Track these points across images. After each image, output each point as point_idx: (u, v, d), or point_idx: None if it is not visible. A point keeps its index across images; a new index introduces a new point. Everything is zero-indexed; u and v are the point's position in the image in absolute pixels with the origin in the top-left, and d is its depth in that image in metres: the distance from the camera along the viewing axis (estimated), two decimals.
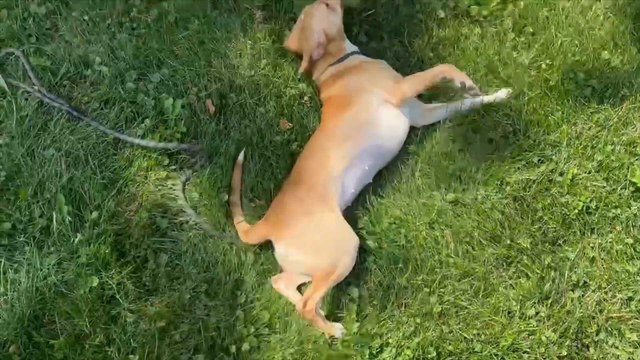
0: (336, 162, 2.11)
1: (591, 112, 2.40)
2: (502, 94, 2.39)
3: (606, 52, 2.55)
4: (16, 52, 2.46)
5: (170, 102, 2.36)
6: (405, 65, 2.48)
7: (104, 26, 2.57)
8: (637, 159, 2.31)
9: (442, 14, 2.62)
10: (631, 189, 2.24)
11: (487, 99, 2.38)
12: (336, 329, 1.97)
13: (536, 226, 2.17)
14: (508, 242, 2.14)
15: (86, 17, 2.58)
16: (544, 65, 2.51)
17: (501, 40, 2.59)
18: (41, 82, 2.39)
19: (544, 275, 2.08)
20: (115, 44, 2.52)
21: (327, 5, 2.36)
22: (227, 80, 2.45)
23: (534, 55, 2.54)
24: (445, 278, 2.08)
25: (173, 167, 2.30)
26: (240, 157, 2.22)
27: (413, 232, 2.16)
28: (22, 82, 2.40)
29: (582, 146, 2.33)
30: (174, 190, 2.22)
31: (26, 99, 2.38)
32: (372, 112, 2.20)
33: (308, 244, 2.00)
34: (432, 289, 2.05)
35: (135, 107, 2.38)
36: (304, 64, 2.32)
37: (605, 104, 2.42)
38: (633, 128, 2.38)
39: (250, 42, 2.54)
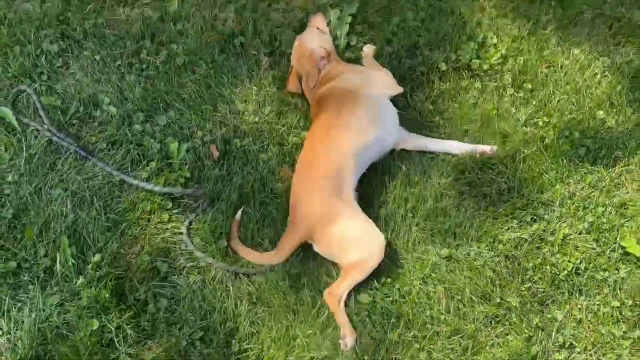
0: (354, 157, 2.29)
1: (584, 173, 2.49)
2: (486, 148, 2.47)
3: (602, 111, 2.63)
4: (28, 89, 2.54)
5: (176, 146, 2.45)
6: (403, 118, 2.55)
7: (114, 66, 2.65)
8: (627, 221, 2.39)
9: (444, 67, 2.70)
10: (620, 252, 2.32)
11: (468, 147, 2.47)
12: (350, 335, 2.08)
13: (526, 285, 2.25)
14: (498, 300, 2.21)
15: (97, 57, 2.67)
16: (540, 123, 2.59)
17: (500, 95, 2.67)
18: (51, 121, 2.47)
19: (531, 335, 2.16)
20: (124, 84, 2.60)
21: (317, 28, 2.59)
22: (232, 125, 2.54)
23: (531, 112, 2.62)
24: (435, 335, 2.15)
25: (176, 210, 2.37)
26: (238, 215, 2.30)
27: (407, 287, 2.23)
28: (32, 120, 2.48)
29: (574, 206, 2.41)
30: (179, 234, 2.29)
31: (36, 137, 2.46)
32: (379, 104, 2.42)
33: (339, 244, 2.20)
34: (422, 346, 2.12)
35: (142, 150, 2.46)
36: (313, 79, 2.46)
37: (598, 165, 2.50)
38: (625, 190, 2.46)
39: (255, 88, 2.63)
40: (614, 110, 2.66)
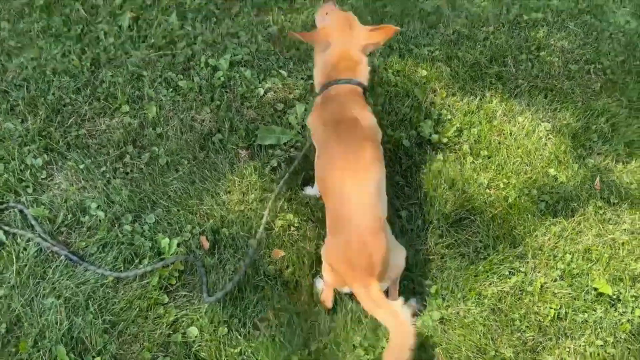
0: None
1: (548, 225, 2.79)
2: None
3: (552, 169, 3.00)
4: (18, 205, 2.66)
5: (167, 242, 2.59)
6: None
7: (99, 173, 2.83)
8: (594, 264, 2.67)
9: (407, 144, 3.03)
10: (593, 293, 2.57)
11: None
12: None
13: (516, 336, 2.44)
14: (493, 353, 2.38)
15: (81, 166, 2.84)
16: (501, 184, 2.92)
17: (461, 163, 3.00)
18: (42, 228, 2.58)
19: None
20: (110, 189, 2.77)
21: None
22: (219, 216, 2.72)
23: (491, 176, 2.95)
24: None
25: (172, 304, 2.46)
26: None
27: None
28: (21, 230, 2.58)
29: (545, 257, 2.68)
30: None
31: (24, 249, 2.55)
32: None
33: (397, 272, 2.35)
34: None
35: (133, 249, 2.59)
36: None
37: (559, 217, 2.82)
38: (586, 236, 2.77)
39: (237, 179, 2.85)
40: (563, 167, 3.03)
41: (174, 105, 3.11)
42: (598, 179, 2.99)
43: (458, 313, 2.50)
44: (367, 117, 2.38)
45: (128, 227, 2.65)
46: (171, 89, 3.18)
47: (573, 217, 2.84)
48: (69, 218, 2.68)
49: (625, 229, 2.81)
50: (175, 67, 3.29)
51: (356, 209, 2.17)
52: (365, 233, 2.14)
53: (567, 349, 2.42)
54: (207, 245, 2.64)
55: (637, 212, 2.88)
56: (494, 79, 3.39)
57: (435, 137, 3.08)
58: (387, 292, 2.38)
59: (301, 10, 3.71)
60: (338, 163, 2.25)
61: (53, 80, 3.17)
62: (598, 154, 3.12)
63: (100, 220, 2.67)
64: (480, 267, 2.63)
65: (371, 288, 2.13)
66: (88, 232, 2.66)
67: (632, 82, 3.48)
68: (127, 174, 2.86)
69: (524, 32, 3.69)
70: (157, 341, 2.37)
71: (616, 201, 2.92)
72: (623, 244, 2.76)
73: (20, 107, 3.03)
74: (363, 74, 2.47)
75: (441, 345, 2.40)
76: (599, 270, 2.65)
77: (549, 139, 3.15)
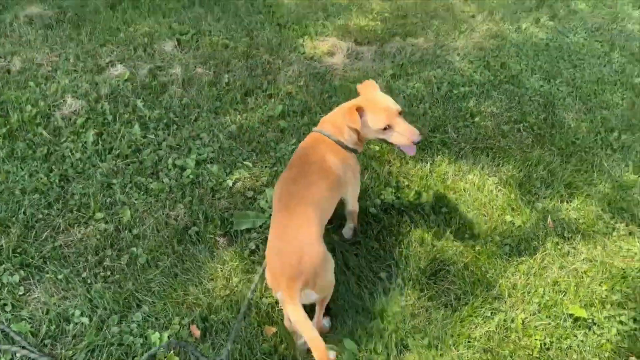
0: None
1: (516, 264, 3.02)
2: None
3: (508, 216, 3.29)
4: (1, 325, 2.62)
5: (157, 336, 2.61)
6: (352, 255, 2.99)
7: (79, 280, 2.86)
8: (564, 295, 2.89)
9: (374, 211, 3.27)
10: (570, 320, 2.76)
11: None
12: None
13: None
14: None
15: (60, 276, 2.87)
16: (466, 235, 3.16)
17: (426, 221, 3.25)
18: (27, 343, 2.54)
19: None
20: (93, 293, 2.79)
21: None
22: (206, 304, 2.77)
23: (455, 229, 3.20)
24: None
25: None
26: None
27: None
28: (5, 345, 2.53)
29: (520, 293, 2.88)
30: None
31: None
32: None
33: (327, 285, 2.46)
34: None
35: (124, 349, 2.57)
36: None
37: (523, 256, 3.07)
38: (552, 270, 3.01)
39: (219, 265, 2.95)
40: (516, 213, 3.34)
41: (148, 206, 3.25)
42: (549, 218, 3.30)
43: (452, 359, 2.60)
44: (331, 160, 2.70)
45: (116, 329, 2.66)
46: (142, 192, 3.34)
47: (536, 254, 3.09)
48: (52, 329, 2.66)
49: (584, 259, 3.09)
50: (143, 171, 3.47)
51: (297, 220, 2.40)
52: (301, 240, 2.34)
53: None
54: (198, 333, 2.67)
55: (591, 242, 3.18)
56: (440, 145, 3.78)
57: (397, 202, 3.34)
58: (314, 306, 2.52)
59: (255, 109, 4.05)
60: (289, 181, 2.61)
61: (23, 200, 3.25)
62: (544, 197, 3.47)
63: (85, 326, 2.67)
64: (464, 312, 2.78)
65: (289, 283, 2.25)
66: (74, 341, 2.64)
67: (557, 134, 3.96)
68: (108, 277, 2.90)
69: (457, 104, 4.17)
70: None
71: (570, 235, 3.22)
72: (585, 272, 3.02)
73: None
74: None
75: None
76: (570, 298, 2.87)
77: (499, 190, 3.49)
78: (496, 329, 2.72)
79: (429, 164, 3.62)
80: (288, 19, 5.13)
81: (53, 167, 3.50)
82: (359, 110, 2.61)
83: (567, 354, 2.65)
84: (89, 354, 2.58)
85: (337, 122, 2.74)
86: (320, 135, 2.76)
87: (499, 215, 3.31)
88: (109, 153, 3.62)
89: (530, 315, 2.80)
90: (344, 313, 2.76)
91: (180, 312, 2.75)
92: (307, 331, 2.15)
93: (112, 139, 3.72)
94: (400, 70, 4.54)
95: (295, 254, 2.29)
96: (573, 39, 5.03)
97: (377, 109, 2.63)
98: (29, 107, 3.88)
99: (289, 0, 5.47)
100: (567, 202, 3.45)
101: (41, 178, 3.39)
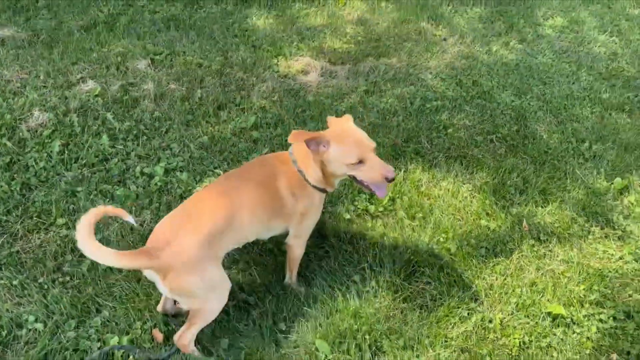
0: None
1: (492, 266, 2.97)
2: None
3: (483, 220, 3.26)
4: None
5: (116, 340, 2.46)
6: (328, 259, 2.90)
7: (36, 285, 2.71)
8: (542, 296, 2.83)
9: (347, 216, 3.21)
10: (549, 319, 2.69)
11: None
12: None
13: None
14: None
15: (15, 282, 2.72)
16: (441, 239, 3.11)
17: (401, 226, 3.19)
18: None
19: None
20: (50, 299, 2.64)
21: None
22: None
23: (430, 233, 3.15)
24: None
25: None
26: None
27: None
28: None
29: (497, 294, 2.81)
30: None
31: None
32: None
33: (182, 291, 2.28)
34: None
35: (79, 354, 2.42)
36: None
37: (499, 257, 3.02)
38: (528, 271, 2.96)
39: None
40: (491, 217, 3.32)
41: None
42: (525, 221, 3.28)
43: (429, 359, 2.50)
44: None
45: (72, 333, 2.51)
46: (108, 199, 3.23)
47: (512, 256, 3.05)
48: (3, 335, 2.49)
49: (560, 260, 3.05)
50: (110, 179, 3.38)
51: (200, 216, 2.31)
52: (186, 235, 2.24)
53: None
54: (160, 337, 2.53)
55: (567, 245, 3.16)
56: (413, 154, 3.77)
57: (371, 207, 3.29)
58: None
59: (228, 122, 4.02)
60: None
61: None
62: (518, 203, 3.45)
63: (39, 332, 2.51)
64: (440, 312, 2.70)
65: (142, 250, 2.21)
66: (26, 347, 2.47)
67: (529, 144, 4.00)
68: (66, 282, 2.76)
69: (430, 117, 4.20)
70: None
71: (545, 238, 3.19)
72: (562, 272, 2.97)
73: None
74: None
75: None
76: (548, 298, 2.81)
77: (473, 196, 3.47)
78: (473, 328, 2.64)
79: (402, 171, 3.60)
80: (263, 42, 5.19)
81: (15, 175, 3.39)
82: (318, 140, 2.39)
83: (547, 352, 2.56)
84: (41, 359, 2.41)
85: (304, 153, 2.49)
86: (287, 156, 2.58)
87: (474, 220, 3.28)
88: (75, 162, 3.52)
89: (508, 315, 2.72)
90: (317, 314, 2.65)
91: (142, 317, 2.61)
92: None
93: (79, 149, 3.63)
94: (373, 87, 4.59)
95: (169, 239, 2.22)
96: (542, 59, 5.17)
97: (348, 142, 2.39)
98: None
99: (264, 25, 5.56)
100: (542, 207, 3.44)
101: (2, 186, 3.27)
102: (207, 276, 2.28)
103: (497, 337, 2.61)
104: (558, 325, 2.68)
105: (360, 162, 2.37)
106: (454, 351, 2.53)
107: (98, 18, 5.45)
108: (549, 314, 2.72)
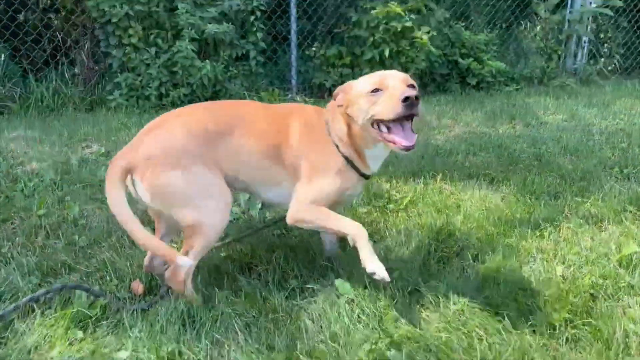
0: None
1: (539, 236, 2.58)
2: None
3: (518, 214, 2.93)
4: None
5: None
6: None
7: None
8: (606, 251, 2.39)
9: (364, 210, 2.90)
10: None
11: None
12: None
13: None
14: None
15: None
16: (475, 224, 2.75)
17: (427, 213, 2.85)
18: None
19: None
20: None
21: None
22: None
23: (462, 220, 2.79)
24: None
25: None
26: None
27: None
28: None
29: (550, 254, 2.39)
30: None
31: None
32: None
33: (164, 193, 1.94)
34: None
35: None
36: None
37: (547, 230, 2.65)
38: (583, 240, 2.55)
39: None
40: (526, 210, 2.97)
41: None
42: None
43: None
44: None
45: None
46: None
47: (560, 228, 2.66)
48: None
49: (619, 233, 2.64)
50: None
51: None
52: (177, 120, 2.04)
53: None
54: (141, 288, 2.08)
55: (621, 226, 2.76)
56: (447, 171, 3.55)
57: (392, 207, 2.99)
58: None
59: None
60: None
61: None
62: (555, 205, 3.12)
63: None
64: (484, 269, 2.25)
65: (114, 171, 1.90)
66: None
67: (555, 168, 3.77)
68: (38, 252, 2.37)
69: (445, 159, 4.07)
70: None
71: (595, 221, 2.82)
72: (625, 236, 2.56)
73: None
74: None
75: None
76: (614, 255, 2.36)
77: (503, 199, 3.17)
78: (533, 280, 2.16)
79: (422, 181, 3.36)
80: None
81: None
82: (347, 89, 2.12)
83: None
84: None
85: (333, 106, 2.19)
86: (319, 108, 2.29)
87: (507, 215, 2.93)
88: None
89: (572, 265, 2.26)
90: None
91: (120, 275, 2.18)
92: (128, 223, 1.82)
93: None
94: None
95: (141, 138, 1.99)
96: (549, 134, 5.19)
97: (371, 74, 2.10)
98: None
99: None
100: (583, 202, 3.10)
101: None
102: (195, 177, 1.94)
103: (561, 283, 2.12)
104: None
105: (378, 90, 1.98)
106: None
107: None
108: (619, 263, 2.25)
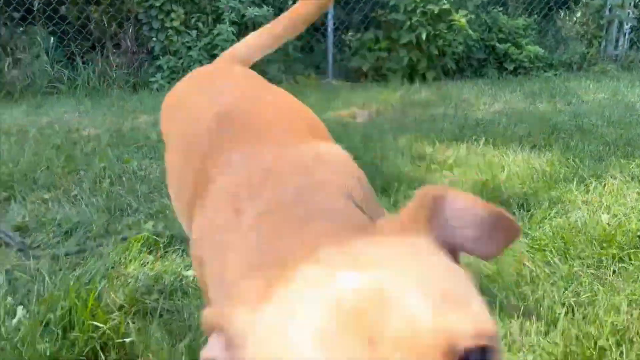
0: None
1: (583, 191, 2.64)
2: None
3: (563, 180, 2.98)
4: None
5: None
6: None
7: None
8: None
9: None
10: None
11: None
12: None
13: None
14: None
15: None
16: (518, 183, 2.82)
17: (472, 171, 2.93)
18: None
19: None
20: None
21: None
22: None
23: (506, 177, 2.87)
24: None
25: None
26: None
27: None
28: None
29: (596, 205, 2.45)
30: None
31: None
32: None
33: None
34: None
35: None
36: None
37: (592, 185, 2.69)
38: (629, 196, 2.60)
39: None
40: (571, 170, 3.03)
41: None
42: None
43: None
44: None
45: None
46: None
47: (605, 183, 2.72)
48: None
49: None
50: None
51: None
52: None
53: None
54: None
55: None
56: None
57: (435, 167, 3.09)
58: None
59: None
60: None
61: None
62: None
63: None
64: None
65: None
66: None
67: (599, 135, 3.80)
68: None
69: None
70: None
71: None
72: None
73: None
74: None
75: None
76: None
77: (546, 162, 3.23)
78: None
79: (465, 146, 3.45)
80: None
81: None
82: None
83: None
84: None
85: None
86: None
87: (552, 173, 2.99)
88: None
89: (618, 214, 2.33)
90: None
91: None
92: None
93: None
94: None
95: None
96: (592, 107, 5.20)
97: None
98: None
99: None
100: (628, 163, 3.14)
101: None
102: None
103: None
104: None
105: None
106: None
107: None
108: None
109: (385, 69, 6.88)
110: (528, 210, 2.41)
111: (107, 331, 1.49)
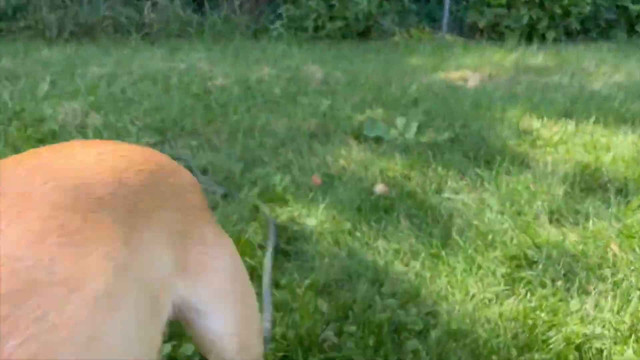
0: None
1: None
2: None
3: None
4: None
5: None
6: None
7: None
8: None
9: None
10: None
11: None
12: None
13: None
14: None
15: None
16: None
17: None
18: None
19: None
20: None
21: None
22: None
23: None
24: None
25: None
26: None
27: None
28: None
29: None
30: None
31: None
32: None
33: None
34: None
35: None
36: None
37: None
38: None
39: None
40: None
41: None
42: None
43: None
44: None
45: None
46: None
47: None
48: None
49: None
50: None
51: None
52: None
53: None
54: (319, 181, 2.62)
55: None
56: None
57: (540, 143, 3.23)
58: None
59: None
60: None
61: None
62: None
63: None
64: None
65: None
66: None
67: None
68: None
69: None
70: None
71: None
72: None
73: None
74: None
75: None
76: None
77: None
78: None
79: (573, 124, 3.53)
80: None
81: None
82: None
83: None
84: None
85: None
86: None
87: None
88: None
89: None
90: None
91: (303, 170, 2.74)
92: None
93: None
94: None
95: None
96: None
97: None
98: None
99: None
100: None
101: None
102: None
103: None
104: None
105: None
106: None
107: None
108: None
109: (503, 27, 6.77)
110: (625, 197, 2.55)
111: None
